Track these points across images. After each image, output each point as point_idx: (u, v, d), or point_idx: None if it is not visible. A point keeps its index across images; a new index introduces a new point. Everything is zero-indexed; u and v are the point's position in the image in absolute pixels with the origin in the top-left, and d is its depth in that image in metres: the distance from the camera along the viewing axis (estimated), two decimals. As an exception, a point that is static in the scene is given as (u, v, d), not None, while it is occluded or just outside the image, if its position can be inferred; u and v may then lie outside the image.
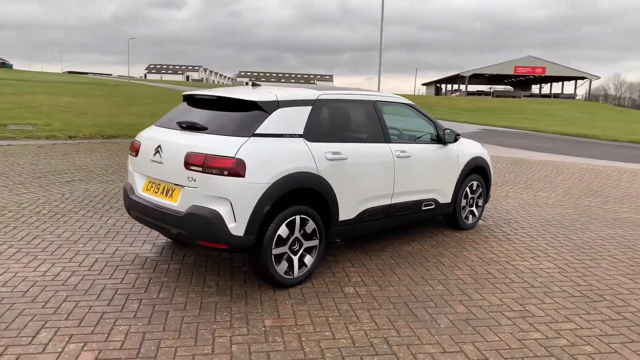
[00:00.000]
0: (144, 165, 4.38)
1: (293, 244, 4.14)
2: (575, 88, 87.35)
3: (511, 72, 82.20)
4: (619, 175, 11.11)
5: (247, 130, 3.93)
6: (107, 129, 14.82)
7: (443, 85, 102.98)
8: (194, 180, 3.84)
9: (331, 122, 4.61)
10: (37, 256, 4.65)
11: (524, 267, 4.84)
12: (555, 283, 4.45)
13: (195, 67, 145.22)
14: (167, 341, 3.23)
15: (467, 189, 5.98)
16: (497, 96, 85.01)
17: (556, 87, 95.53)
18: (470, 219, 6.13)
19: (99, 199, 6.86)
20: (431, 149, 5.48)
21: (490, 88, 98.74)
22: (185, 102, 4.70)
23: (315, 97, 4.45)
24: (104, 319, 3.48)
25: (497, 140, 19.06)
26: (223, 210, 3.76)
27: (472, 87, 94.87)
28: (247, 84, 5.20)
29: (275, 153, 3.99)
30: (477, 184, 6.13)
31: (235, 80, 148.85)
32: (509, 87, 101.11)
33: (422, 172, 5.28)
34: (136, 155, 4.48)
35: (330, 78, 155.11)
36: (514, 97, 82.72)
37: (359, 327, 3.50)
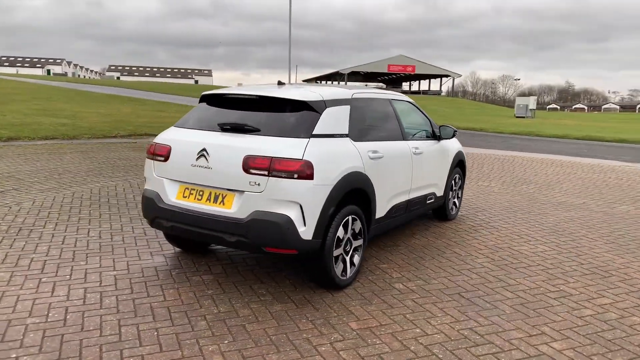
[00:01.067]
0: (179, 171, 4.03)
1: (346, 244, 4.11)
2: (441, 85, 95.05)
3: (385, 70, 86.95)
4: (529, 163, 12.41)
5: (306, 132, 3.81)
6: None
7: (323, 82, 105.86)
8: (258, 185, 3.64)
9: (365, 121, 4.62)
10: (41, 279, 4.06)
11: (527, 251, 5.28)
12: (563, 264, 4.92)
13: (57, 60, 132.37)
14: (271, 356, 3.05)
15: (452, 181, 6.34)
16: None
17: (424, 84, 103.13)
18: (454, 210, 6.51)
19: (55, 209, 6.12)
20: (432, 145, 5.72)
21: (366, 85, 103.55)
22: (207, 102, 4.40)
23: (350, 96, 4.43)
24: (184, 341, 3.18)
25: None
26: (293, 214, 3.61)
27: (350, 84, 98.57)
28: (237, 84, 4.99)
29: (334, 154, 3.92)
30: (459, 177, 6.53)
31: (104, 74, 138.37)
32: (382, 84, 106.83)
33: (429, 167, 5.51)
34: (165, 160, 4.11)
35: (209, 73, 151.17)
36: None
37: (440, 321, 3.59)
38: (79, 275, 4.19)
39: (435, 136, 5.86)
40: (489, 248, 5.34)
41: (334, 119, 4.08)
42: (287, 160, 3.60)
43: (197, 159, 3.90)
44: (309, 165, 3.62)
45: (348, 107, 4.32)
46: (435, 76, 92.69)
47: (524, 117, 41.72)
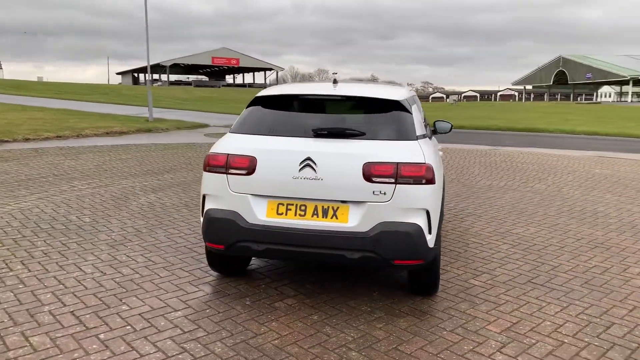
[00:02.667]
0: (272, 185, 3.47)
1: None
2: (265, 78, 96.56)
3: (209, 63, 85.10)
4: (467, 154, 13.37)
5: (412, 133, 3.59)
6: None
7: (141, 75, 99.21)
8: (384, 194, 3.32)
9: (424, 120, 4.49)
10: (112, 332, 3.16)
11: (532, 234, 5.74)
12: (580, 242, 5.46)
13: None
14: (468, 376, 2.84)
15: None
16: (197, 86, 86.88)
17: (248, 77, 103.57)
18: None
19: (22, 233, 4.78)
20: (434, 141, 5.82)
21: (188, 78, 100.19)
22: (268, 106, 3.86)
23: (410, 94, 4.30)
24: (366, 379, 2.78)
25: None
26: (422, 222, 3.39)
27: (170, 77, 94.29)
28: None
29: (435, 155, 3.77)
30: None
31: None
32: (204, 77, 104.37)
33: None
34: (249, 174, 3.49)
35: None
36: (212, 86, 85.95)
37: (553, 310, 3.71)
38: (141, 325, 3.36)
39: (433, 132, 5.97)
40: (502, 235, 5.66)
41: (418, 119, 3.91)
42: (413, 165, 3.35)
43: (301, 169, 3.40)
44: (431, 169, 3.42)
45: (416, 106, 4.19)
46: (259, 69, 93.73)
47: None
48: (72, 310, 3.54)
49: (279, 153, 3.49)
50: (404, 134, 3.55)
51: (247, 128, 3.76)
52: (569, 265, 4.68)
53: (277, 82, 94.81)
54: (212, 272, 4.30)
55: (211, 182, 3.65)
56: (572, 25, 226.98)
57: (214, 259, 4.08)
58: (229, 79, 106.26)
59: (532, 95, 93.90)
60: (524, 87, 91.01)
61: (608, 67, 70.99)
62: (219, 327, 3.34)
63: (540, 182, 9.03)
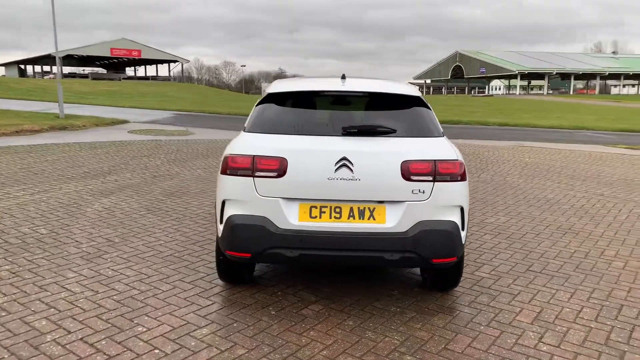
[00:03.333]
0: (305, 187, 3.27)
1: None
2: (170, 70, 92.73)
3: (107, 54, 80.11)
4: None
5: (438, 130, 3.57)
6: None
7: (29, 67, 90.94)
8: (423, 193, 3.27)
9: None
10: (130, 365, 2.81)
11: (506, 223, 5.98)
12: (550, 228, 5.77)
13: None
14: (527, 370, 2.89)
15: None
16: (95, 79, 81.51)
17: (150, 70, 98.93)
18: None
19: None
20: None
21: (84, 70, 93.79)
22: (283, 103, 3.65)
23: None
24: (436, 383, 2.72)
25: (214, 124, 19.44)
26: (457, 219, 3.38)
27: (63, 69, 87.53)
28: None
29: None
30: None
31: None
32: (101, 70, 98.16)
33: None
34: (280, 176, 3.27)
35: None
36: (111, 79, 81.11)
37: (579, 298, 3.89)
38: (171, 347, 3.04)
39: None
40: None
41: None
42: (448, 162, 3.33)
43: (337, 170, 3.25)
44: (463, 165, 3.43)
45: None
46: (162, 61, 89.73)
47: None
48: (80, 337, 3.12)
49: (312, 153, 3.31)
50: (431, 130, 3.52)
51: (267, 127, 3.52)
52: (553, 252, 4.94)
53: (182, 74, 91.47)
54: (216, 281, 4.01)
55: (234, 186, 3.38)
56: (464, 22, 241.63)
57: (228, 269, 3.81)
58: (129, 71, 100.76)
59: (431, 89, 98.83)
60: (425, 81, 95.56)
61: (499, 62, 76.60)
62: (258, 342, 3.11)
63: (484, 172, 9.49)
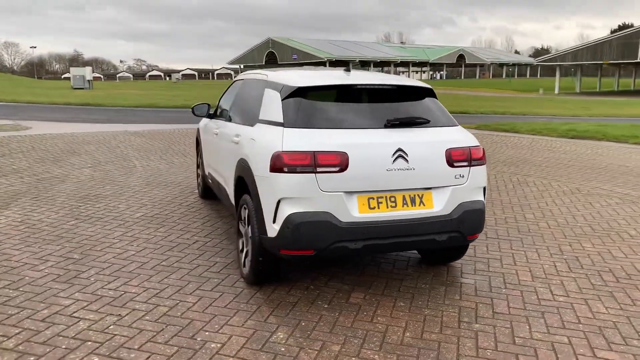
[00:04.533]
0: (366, 179, 3.35)
1: None
2: None
3: None
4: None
5: (453, 119, 3.92)
6: None
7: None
8: (462, 177, 3.61)
9: None
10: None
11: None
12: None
13: None
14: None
15: None
16: None
17: None
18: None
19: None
20: None
21: None
22: (317, 96, 3.65)
23: None
24: None
25: (46, 116, 16.79)
26: (483, 198, 3.80)
27: None
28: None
29: None
30: None
31: None
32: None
33: None
34: (342, 170, 3.28)
35: None
36: None
37: (545, 255, 4.64)
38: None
39: None
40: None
41: None
42: (476, 148, 3.73)
43: (394, 161, 3.39)
44: (484, 150, 3.85)
45: None
46: None
47: (82, 89, 39.95)
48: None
49: (371, 146, 3.39)
50: (451, 120, 3.87)
51: (308, 122, 3.48)
52: (490, 219, 5.74)
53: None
54: (238, 285, 3.85)
55: (293, 184, 3.29)
56: (260, 9, 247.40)
57: (266, 269, 3.69)
58: None
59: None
60: (240, 66, 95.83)
61: (309, 49, 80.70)
62: (341, 336, 3.15)
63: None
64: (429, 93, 3.95)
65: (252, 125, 3.97)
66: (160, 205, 6.04)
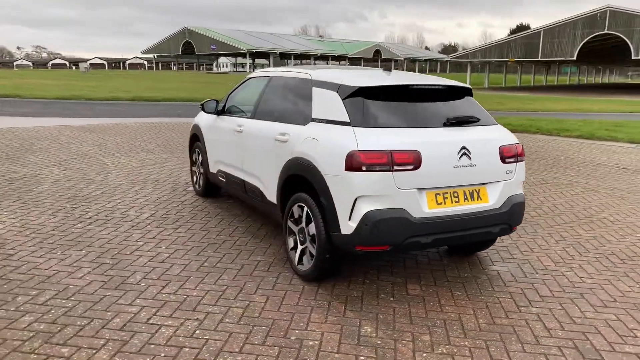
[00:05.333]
0: (436, 176, 3.52)
1: None
2: None
3: None
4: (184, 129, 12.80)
5: (492, 117, 4.18)
6: None
7: None
8: (511, 172, 3.89)
9: None
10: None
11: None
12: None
13: None
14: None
15: None
16: None
17: None
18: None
19: None
20: None
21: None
22: (378, 96, 3.74)
23: None
24: None
25: None
26: (523, 191, 4.11)
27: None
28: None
29: None
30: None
31: None
32: None
33: None
34: (416, 168, 3.43)
35: None
36: None
37: (553, 242, 5.06)
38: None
39: None
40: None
41: None
42: (519, 145, 4.02)
43: (459, 158, 3.60)
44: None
45: None
46: None
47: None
48: (270, 366, 2.79)
49: (440, 145, 3.56)
50: (490, 118, 4.13)
51: (375, 121, 3.60)
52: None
53: None
54: (295, 282, 3.89)
55: (371, 182, 3.39)
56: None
57: (333, 266, 3.78)
58: None
59: (160, 64, 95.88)
60: (154, 55, 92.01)
61: (228, 40, 79.13)
62: (425, 326, 3.32)
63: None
64: (469, 92, 4.18)
65: (303, 124, 3.99)
66: (162, 205, 5.83)
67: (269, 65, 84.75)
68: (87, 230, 4.87)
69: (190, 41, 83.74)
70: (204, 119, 5.98)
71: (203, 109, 5.61)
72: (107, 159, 8.38)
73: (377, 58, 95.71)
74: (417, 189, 3.50)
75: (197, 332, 3.12)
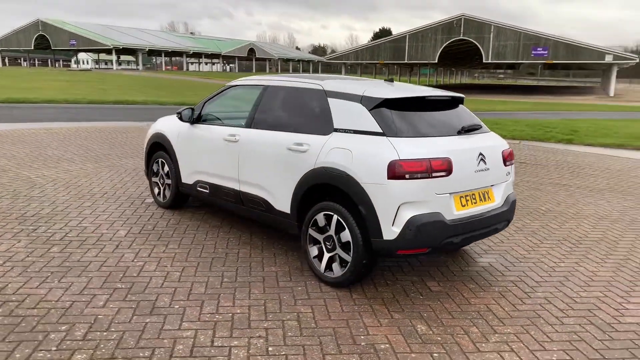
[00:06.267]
0: (462, 181, 3.85)
1: None
2: None
3: None
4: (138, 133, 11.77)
5: (483, 123, 4.62)
6: None
7: None
8: (509, 174, 4.35)
9: None
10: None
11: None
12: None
13: None
14: (581, 278, 4.50)
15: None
16: None
17: None
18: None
19: None
20: None
21: None
22: (401, 106, 3.96)
23: None
24: (579, 300, 4.02)
25: None
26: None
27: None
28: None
29: None
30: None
31: None
32: None
33: None
34: (449, 174, 3.71)
35: None
36: None
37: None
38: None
39: None
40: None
41: None
42: (511, 150, 4.50)
43: (479, 163, 3.96)
44: None
45: None
46: None
47: None
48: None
49: (464, 152, 3.88)
50: (483, 124, 4.56)
51: (409, 131, 3.81)
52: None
53: None
54: (322, 287, 3.97)
55: (413, 189, 3.60)
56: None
57: (368, 271, 3.94)
58: None
59: (6, 60, 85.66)
60: None
61: (92, 35, 73.42)
62: (467, 319, 3.62)
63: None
64: (462, 101, 4.58)
65: (324, 134, 4.07)
66: (131, 220, 5.45)
67: (136, 63, 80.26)
68: (69, 253, 4.43)
69: (44, 35, 76.12)
70: (170, 127, 5.70)
71: (181, 118, 5.38)
72: (28, 172, 7.51)
73: (251, 57, 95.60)
74: (449, 193, 3.79)
75: (270, 349, 3.10)
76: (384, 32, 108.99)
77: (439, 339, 3.33)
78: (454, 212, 3.82)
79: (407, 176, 3.59)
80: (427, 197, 3.67)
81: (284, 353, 3.06)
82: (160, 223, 5.40)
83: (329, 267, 4.05)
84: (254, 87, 5.01)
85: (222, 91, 5.38)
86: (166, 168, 5.80)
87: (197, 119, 5.38)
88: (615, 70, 50.05)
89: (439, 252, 4.75)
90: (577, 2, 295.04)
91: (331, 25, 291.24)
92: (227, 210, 5.69)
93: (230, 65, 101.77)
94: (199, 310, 3.53)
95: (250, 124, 4.76)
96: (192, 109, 5.40)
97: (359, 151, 3.81)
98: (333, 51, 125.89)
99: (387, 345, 3.21)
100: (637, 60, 48.00)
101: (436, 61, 52.86)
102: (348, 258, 3.89)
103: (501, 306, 3.85)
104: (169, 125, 5.75)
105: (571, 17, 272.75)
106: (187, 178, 5.49)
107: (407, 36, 53.63)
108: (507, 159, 4.30)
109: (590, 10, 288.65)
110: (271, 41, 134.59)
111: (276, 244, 4.91)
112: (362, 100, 3.97)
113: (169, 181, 5.82)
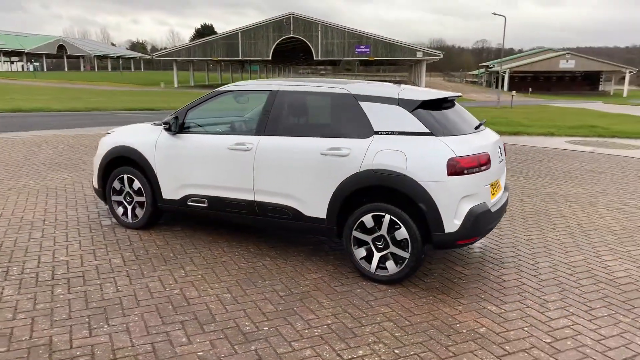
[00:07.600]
0: (494, 172, 4.27)
1: None
2: None
3: None
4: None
5: None
6: None
7: None
8: (504, 165, 4.91)
9: None
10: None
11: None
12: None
13: None
14: (556, 247, 5.29)
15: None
16: None
17: None
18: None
19: None
20: None
21: None
22: (423, 107, 4.20)
23: None
24: (574, 265, 4.75)
25: None
26: None
27: None
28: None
29: None
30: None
31: None
32: None
33: None
34: (489, 167, 4.10)
35: None
36: None
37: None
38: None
39: None
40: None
41: None
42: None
43: (499, 156, 4.42)
44: None
45: None
46: None
47: None
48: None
49: (492, 146, 4.30)
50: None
51: (450, 129, 4.09)
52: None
53: None
54: (388, 288, 4.09)
55: (469, 183, 3.91)
56: None
57: (421, 264, 4.12)
58: None
59: None
60: None
61: None
62: (516, 294, 4.06)
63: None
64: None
65: (364, 137, 4.13)
66: (113, 247, 4.82)
67: None
68: (84, 292, 3.80)
69: None
70: (141, 139, 5.14)
71: (169, 128, 4.89)
72: None
73: (62, 54, 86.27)
74: (489, 184, 4.18)
75: (397, 351, 3.13)
76: (206, 29, 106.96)
77: (514, 315, 3.70)
78: (491, 201, 4.23)
79: (465, 172, 3.88)
80: (479, 190, 4.02)
81: (419, 352, 3.12)
82: (148, 246, 4.87)
83: (381, 265, 4.15)
84: (256, 93, 4.81)
85: (210, 98, 5.03)
86: (136, 184, 5.21)
87: (180, 129, 4.95)
88: (425, 65, 56.71)
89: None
90: (375, 3, 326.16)
91: (142, 20, 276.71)
92: (217, 222, 5.38)
93: (35, 64, 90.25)
94: (290, 330, 3.38)
95: (263, 130, 4.58)
96: (177, 117, 4.96)
97: (413, 152, 3.97)
98: (155, 48, 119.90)
99: (487, 329, 3.47)
100: (441, 56, 55.19)
101: (270, 58, 53.84)
102: (405, 255, 4.04)
103: (526, 284, 4.37)
104: (139, 137, 5.18)
105: (370, 16, 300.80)
106: (172, 193, 5.02)
107: (240, 33, 53.69)
108: (503, 151, 4.86)
109: (386, 10, 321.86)
110: (81, 37, 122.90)
111: (293, 249, 4.81)
112: (400, 102, 4.14)
113: (140, 199, 5.24)
